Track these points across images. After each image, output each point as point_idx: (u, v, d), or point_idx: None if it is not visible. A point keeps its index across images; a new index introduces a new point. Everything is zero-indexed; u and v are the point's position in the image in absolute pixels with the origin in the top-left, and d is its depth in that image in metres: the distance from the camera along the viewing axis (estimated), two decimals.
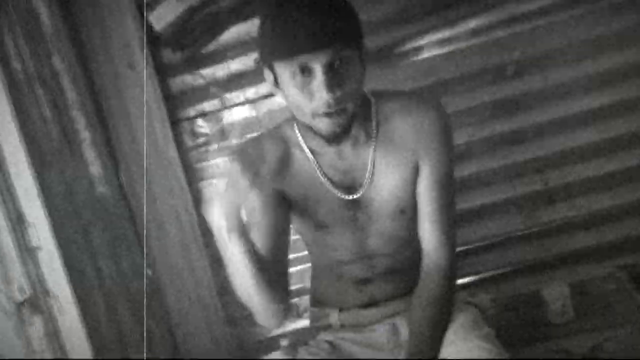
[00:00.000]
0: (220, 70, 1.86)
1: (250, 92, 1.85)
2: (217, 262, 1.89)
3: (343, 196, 1.25)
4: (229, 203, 1.09)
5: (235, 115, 1.87)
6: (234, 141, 1.88)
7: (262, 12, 1.15)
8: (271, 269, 1.21)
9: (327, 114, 1.12)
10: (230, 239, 1.11)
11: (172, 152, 1.83)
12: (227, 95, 1.87)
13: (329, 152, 1.24)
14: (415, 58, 1.77)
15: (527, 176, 1.78)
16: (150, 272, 1.72)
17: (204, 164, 1.90)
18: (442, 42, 1.76)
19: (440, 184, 1.24)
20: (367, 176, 1.24)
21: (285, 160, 1.26)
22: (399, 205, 1.27)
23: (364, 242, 1.31)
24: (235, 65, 1.84)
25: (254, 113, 1.87)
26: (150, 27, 1.79)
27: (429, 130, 1.22)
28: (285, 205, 1.29)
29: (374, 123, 1.24)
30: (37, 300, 1.23)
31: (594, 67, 1.69)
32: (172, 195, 1.83)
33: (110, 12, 1.75)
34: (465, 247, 1.80)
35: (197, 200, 1.89)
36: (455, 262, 1.26)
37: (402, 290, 1.34)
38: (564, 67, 1.71)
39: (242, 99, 1.87)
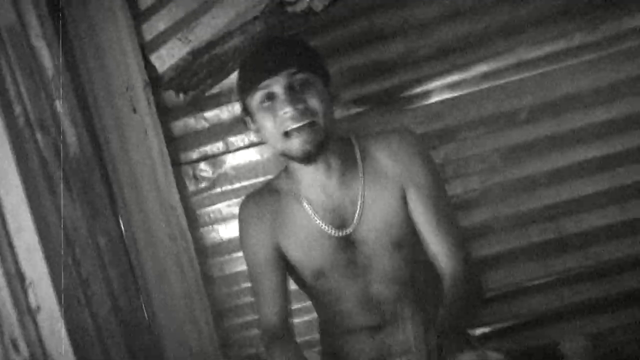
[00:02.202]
0: (224, 113, 1.82)
1: (255, 136, 1.81)
2: (219, 313, 1.83)
3: (335, 233, 1.30)
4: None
5: (239, 158, 1.83)
6: (237, 185, 1.83)
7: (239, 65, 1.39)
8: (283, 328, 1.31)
9: (297, 130, 1.25)
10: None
11: (174, 197, 1.77)
12: (231, 139, 1.82)
13: (318, 193, 1.32)
14: (423, 102, 1.75)
15: (540, 224, 1.73)
16: (150, 324, 1.63)
17: (207, 209, 1.84)
18: (451, 87, 1.73)
19: (432, 198, 1.30)
20: (357, 210, 1.30)
21: (279, 212, 1.36)
22: (394, 238, 1.30)
23: (367, 288, 1.32)
24: (239, 107, 1.80)
25: (258, 157, 1.82)
26: (152, 69, 1.74)
27: (407, 154, 1.32)
28: (283, 262, 1.36)
29: (359, 160, 1.34)
30: None
31: (608, 114, 1.67)
32: (174, 242, 1.75)
33: (112, 53, 1.69)
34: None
35: (199, 247, 1.82)
36: (470, 266, 1.30)
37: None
38: (577, 113, 1.68)
39: (246, 142, 1.82)
